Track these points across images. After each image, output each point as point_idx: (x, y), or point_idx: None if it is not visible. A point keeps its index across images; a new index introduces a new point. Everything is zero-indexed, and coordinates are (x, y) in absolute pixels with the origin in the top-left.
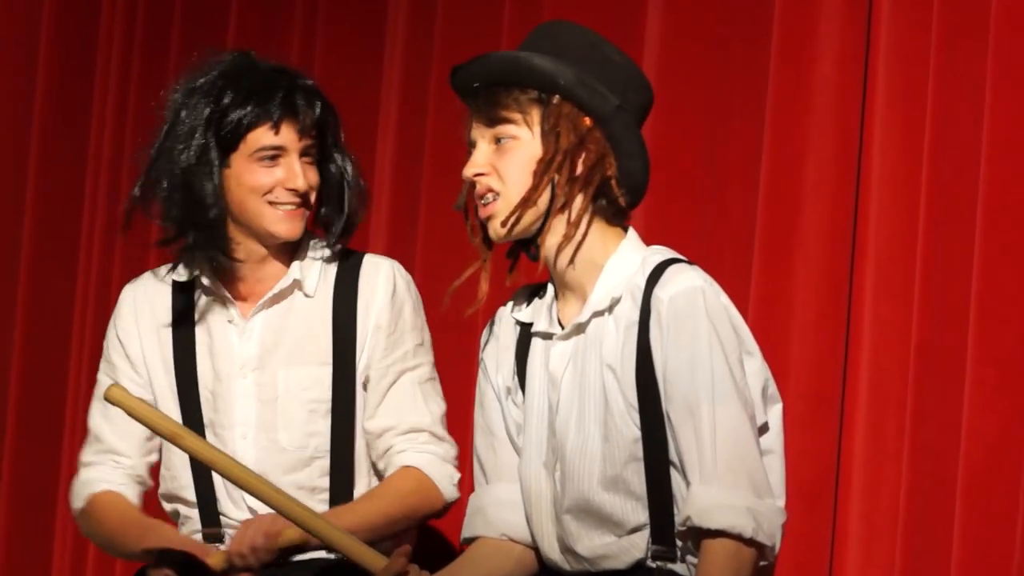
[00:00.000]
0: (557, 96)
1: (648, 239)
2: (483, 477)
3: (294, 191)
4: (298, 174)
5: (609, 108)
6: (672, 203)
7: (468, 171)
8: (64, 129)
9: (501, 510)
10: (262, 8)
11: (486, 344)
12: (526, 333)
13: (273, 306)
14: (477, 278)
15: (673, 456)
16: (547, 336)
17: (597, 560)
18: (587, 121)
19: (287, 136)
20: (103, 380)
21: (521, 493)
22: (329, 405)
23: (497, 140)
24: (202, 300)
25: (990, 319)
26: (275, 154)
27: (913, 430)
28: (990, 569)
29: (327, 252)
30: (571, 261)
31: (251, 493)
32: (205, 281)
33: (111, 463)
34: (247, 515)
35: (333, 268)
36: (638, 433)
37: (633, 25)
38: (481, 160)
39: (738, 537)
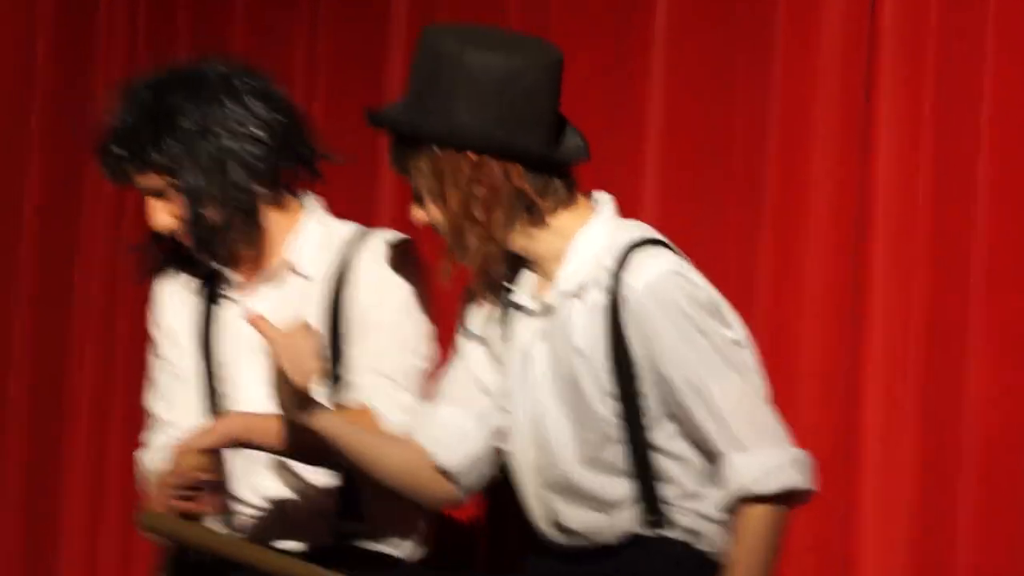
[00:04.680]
0: (433, 145)
1: (654, 209)
2: (440, 397)
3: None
4: (148, 215)
5: (474, 137)
6: (678, 173)
7: (416, 221)
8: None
9: (433, 426)
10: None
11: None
12: (507, 298)
13: (268, 284)
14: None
15: (654, 439)
16: (521, 308)
17: (590, 535)
18: (471, 156)
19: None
20: (150, 360)
21: (510, 468)
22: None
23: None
24: (216, 278)
25: (1002, 290)
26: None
27: (925, 404)
28: (1003, 542)
29: (318, 226)
30: (532, 255)
31: None
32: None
33: (165, 438)
34: (258, 500)
35: (329, 244)
36: (612, 417)
37: None
38: (418, 213)
39: (792, 491)
